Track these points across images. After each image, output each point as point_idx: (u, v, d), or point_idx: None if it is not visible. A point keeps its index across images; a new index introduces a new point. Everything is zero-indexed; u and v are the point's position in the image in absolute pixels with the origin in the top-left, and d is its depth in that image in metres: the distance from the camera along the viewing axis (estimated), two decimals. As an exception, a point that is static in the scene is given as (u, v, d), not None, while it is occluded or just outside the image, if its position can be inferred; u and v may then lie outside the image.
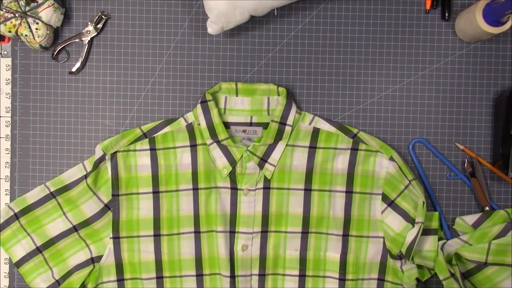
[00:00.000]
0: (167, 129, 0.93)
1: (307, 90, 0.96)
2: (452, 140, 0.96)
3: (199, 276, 0.93)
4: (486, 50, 0.96)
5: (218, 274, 0.92)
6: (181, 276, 0.93)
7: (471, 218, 0.94)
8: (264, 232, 0.92)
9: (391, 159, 0.91)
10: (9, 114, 0.97)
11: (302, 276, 0.93)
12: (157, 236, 0.93)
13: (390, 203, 0.91)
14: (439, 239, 0.94)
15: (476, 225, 0.94)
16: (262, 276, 0.92)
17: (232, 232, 0.92)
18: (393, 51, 0.96)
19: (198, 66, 0.96)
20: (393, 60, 0.96)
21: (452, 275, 0.89)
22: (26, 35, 0.91)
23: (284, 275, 0.93)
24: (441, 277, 0.90)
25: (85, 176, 0.93)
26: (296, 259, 0.92)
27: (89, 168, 0.93)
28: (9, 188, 0.97)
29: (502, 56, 0.96)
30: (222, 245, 0.92)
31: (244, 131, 0.95)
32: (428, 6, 0.95)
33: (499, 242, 0.90)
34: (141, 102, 0.97)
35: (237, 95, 0.94)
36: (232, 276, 0.92)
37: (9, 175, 0.97)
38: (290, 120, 0.92)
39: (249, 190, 0.92)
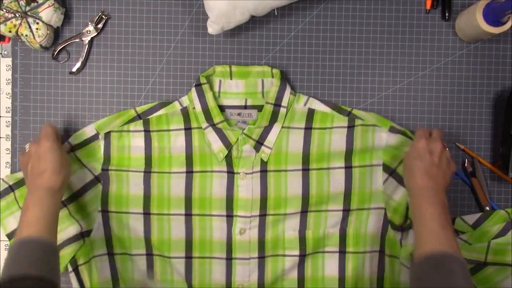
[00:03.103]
0: (161, 112, 0.93)
1: (307, 90, 0.96)
2: (452, 140, 0.96)
3: (188, 258, 0.92)
4: (486, 50, 0.96)
5: (208, 257, 0.92)
6: (170, 257, 0.92)
7: (471, 218, 0.94)
8: (263, 216, 0.92)
9: (392, 129, 0.91)
10: (10, 114, 0.97)
11: (302, 256, 0.92)
12: (146, 214, 0.92)
13: (392, 172, 0.91)
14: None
15: (476, 225, 0.94)
16: (261, 258, 0.92)
17: (229, 216, 0.92)
18: (393, 51, 0.96)
19: (198, 66, 0.97)
20: (393, 60, 0.96)
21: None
22: (26, 35, 0.91)
23: (284, 255, 0.92)
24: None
25: (72, 150, 0.92)
26: (295, 239, 0.92)
27: (74, 143, 0.92)
28: (9, 188, 0.97)
29: (502, 56, 0.96)
30: (217, 229, 0.91)
31: (239, 114, 0.94)
32: (428, 6, 0.95)
33: (499, 242, 0.90)
34: (142, 102, 0.97)
35: (231, 78, 0.94)
36: (229, 259, 0.92)
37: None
38: (284, 102, 0.92)
39: (246, 173, 0.91)
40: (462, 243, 0.92)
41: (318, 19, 0.96)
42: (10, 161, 0.97)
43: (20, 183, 0.92)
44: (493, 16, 0.86)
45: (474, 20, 0.88)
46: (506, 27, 0.87)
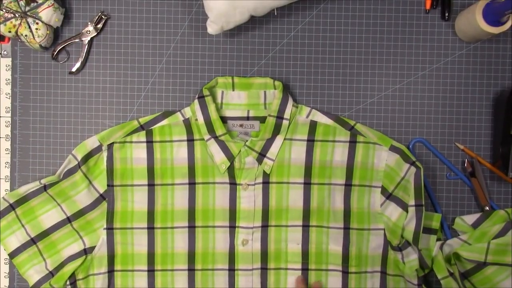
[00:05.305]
0: (164, 122, 0.94)
1: (307, 90, 0.96)
2: (452, 140, 0.96)
3: (191, 271, 0.93)
4: (486, 50, 0.96)
5: (210, 269, 0.92)
6: (172, 270, 0.93)
7: (471, 218, 0.94)
8: (265, 227, 0.92)
9: (392, 148, 0.91)
10: (9, 114, 0.97)
11: (304, 270, 0.93)
12: (150, 229, 0.93)
13: (388, 196, 0.92)
14: (439, 241, 0.94)
15: (476, 225, 0.94)
16: (264, 270, 0.93)
17: (232, 227, 0.92)
18: (393, 51, 0.96)
19: (198, 66, 0.97)
20: (393, 60, 0.96)
21: (451, 274, 0.89)
22: (26, 35, 0.91)
23: (286, 269, 0.93)
24: (439, 276, 0.90)
25: (79, 166, 0.92)
26: (298, 253, 0.92)
27: (79, 157, 0.92)
28: (9, 188, 0.97)
29: (502, 56, 0.96)
30: (220, 240, 0.92)
31: (241, 125, 0.95)
32: (428, 6, 0.95)
33: (499, 242, 0.90)
34: (141, 102, 0.97)
35: (233, 90, 0.94)
36: (232, 270, 0.92)
37: (9, 175, 0.97)
38: (287, 114, 0.92)
39: (248, 184, 0.92)
40: (462, 243, 0.92)
41: (318, 19, 0.96)
42: (9, 161, 0.97)
43: (21, 201, 0.92)
44: (493, 16, 0.86)
45: (473, 20, 0.88)
46: (505, 27, 0.87)
